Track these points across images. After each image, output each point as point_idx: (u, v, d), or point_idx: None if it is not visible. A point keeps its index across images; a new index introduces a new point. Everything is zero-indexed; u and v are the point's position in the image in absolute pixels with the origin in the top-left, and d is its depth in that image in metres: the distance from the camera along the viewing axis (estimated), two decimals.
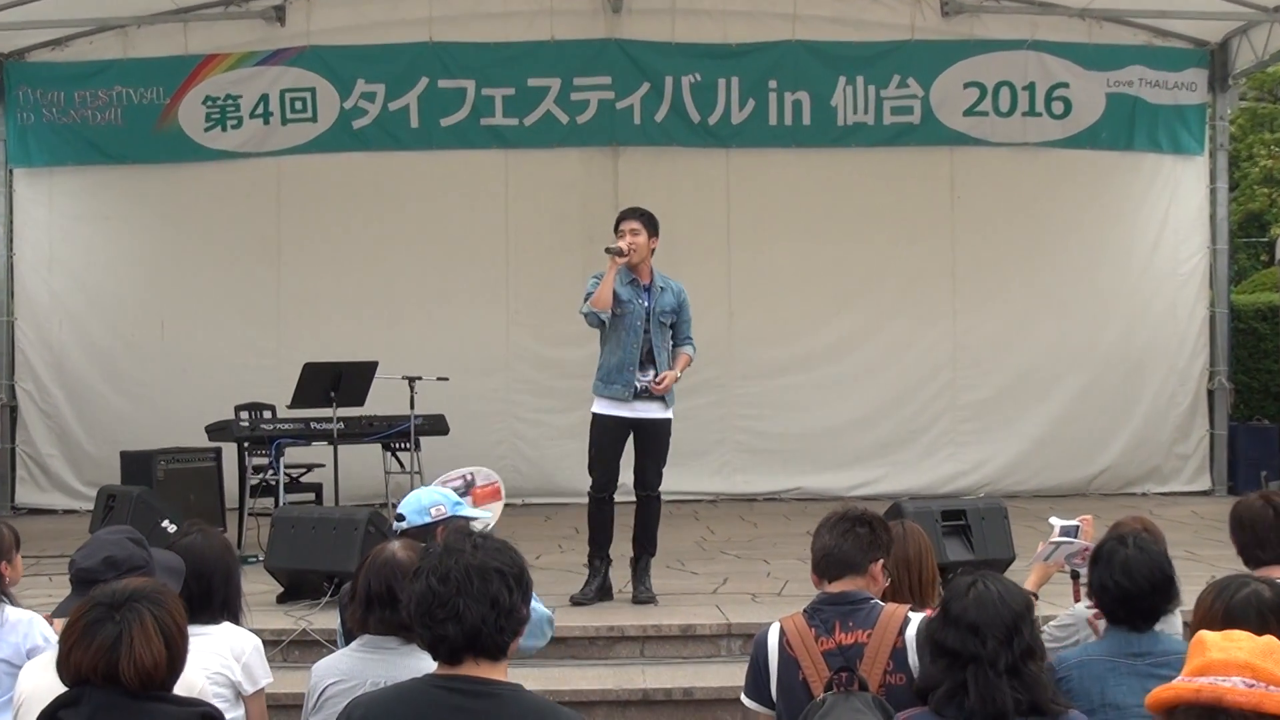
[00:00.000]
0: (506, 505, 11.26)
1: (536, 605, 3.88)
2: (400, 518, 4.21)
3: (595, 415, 7.29)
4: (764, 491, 12.49)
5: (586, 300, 7.20)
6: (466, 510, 4.36)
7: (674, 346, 7.38)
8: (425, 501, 4.24)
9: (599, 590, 7.34)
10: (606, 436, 7.25)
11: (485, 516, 4.36)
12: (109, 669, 2.71)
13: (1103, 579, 3.56)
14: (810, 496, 12.28)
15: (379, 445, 9.93)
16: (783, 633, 3.60)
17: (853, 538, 3.63)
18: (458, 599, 2.53)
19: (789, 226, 12.51)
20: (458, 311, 12.30)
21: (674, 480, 10.58)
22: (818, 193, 12.52)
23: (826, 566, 3.64)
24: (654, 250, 7.32)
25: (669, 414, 7.34)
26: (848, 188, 12.53)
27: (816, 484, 12.44)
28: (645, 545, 7.43)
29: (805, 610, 3.64)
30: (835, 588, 3.63)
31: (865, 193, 12.53)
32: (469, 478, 4.50)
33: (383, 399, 9.94)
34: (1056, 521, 4.48)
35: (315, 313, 12.23)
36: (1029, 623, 2.87)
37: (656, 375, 7.20)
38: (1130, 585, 3.51)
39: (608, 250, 7.13)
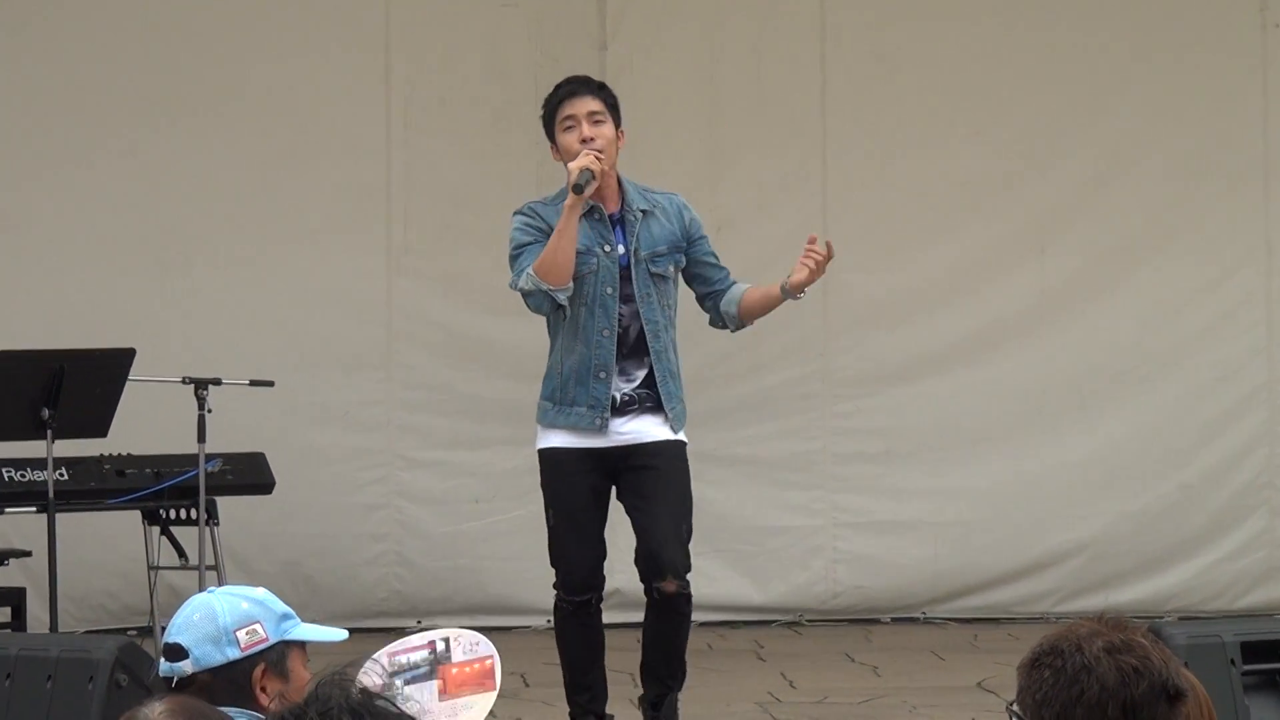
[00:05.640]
0: (389, 633, 11.11)
1: None
2: (177, 652, 4.41)
3: (545, 453, 7.81)
4: (891, 605, 12.58)
5: (517, 267, 7.72)
6: (307, 631, 4.51)
7: (723, 292, 7.85)
8: (223, 617, 4.42)
9: None
10: (569, 485, 7.76)
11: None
12: None
13: None
14: (983, 614, 12.40)
15: (138, 513, 10.14)
16: None
17: None
18: None
19: (935, 105, 12.61)
20: (294, 253, 12.35)
21: (717, 583, 10.39)
22: (989, 41, 12.63)
23: None
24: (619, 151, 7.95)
25: (679, 434, 7.83)
26: (1050, 28, 12.59)
27: (996, 592, 12.51)
28: (665, 673, 7.78)
29: None
30: None
31: (1085, 36, 12.60)
32: (439, 646, 4.62)
33: (146, 423, 10.21)
34: None
35: (21, 256, 12.23)
36: None
37: (648, 377, 7.74)
38: None
39: (576, 187, 7.54)
